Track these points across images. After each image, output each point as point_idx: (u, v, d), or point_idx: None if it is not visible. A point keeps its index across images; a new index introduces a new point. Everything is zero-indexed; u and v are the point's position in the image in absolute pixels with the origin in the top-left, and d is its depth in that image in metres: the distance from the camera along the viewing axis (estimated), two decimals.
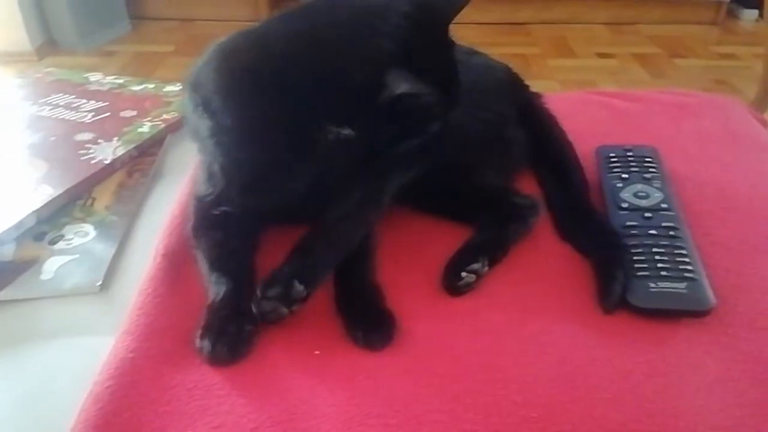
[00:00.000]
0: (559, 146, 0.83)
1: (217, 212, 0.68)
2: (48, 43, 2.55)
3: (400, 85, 0.56)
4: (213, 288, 0.63)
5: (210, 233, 0.68)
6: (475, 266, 0.64)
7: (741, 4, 2.97)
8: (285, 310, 0.58)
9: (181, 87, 1.04)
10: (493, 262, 0.66)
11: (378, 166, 0.69)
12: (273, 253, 0.67)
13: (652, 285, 0.63)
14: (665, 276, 0.63)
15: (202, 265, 0.66)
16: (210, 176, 0.68)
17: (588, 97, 1.04)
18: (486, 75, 0.84)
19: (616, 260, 0.65)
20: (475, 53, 0.85)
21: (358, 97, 0.58)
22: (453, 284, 0.64)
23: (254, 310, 0.58)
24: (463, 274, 0.64)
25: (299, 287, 0.58)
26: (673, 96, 1.03)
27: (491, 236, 0.70)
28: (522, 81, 0.90)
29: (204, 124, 0.64)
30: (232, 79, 0.63)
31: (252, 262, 0.67)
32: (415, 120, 0.62)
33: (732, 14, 2.96)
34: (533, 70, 2.47)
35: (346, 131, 0.60)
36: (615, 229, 0.70)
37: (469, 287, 0.64)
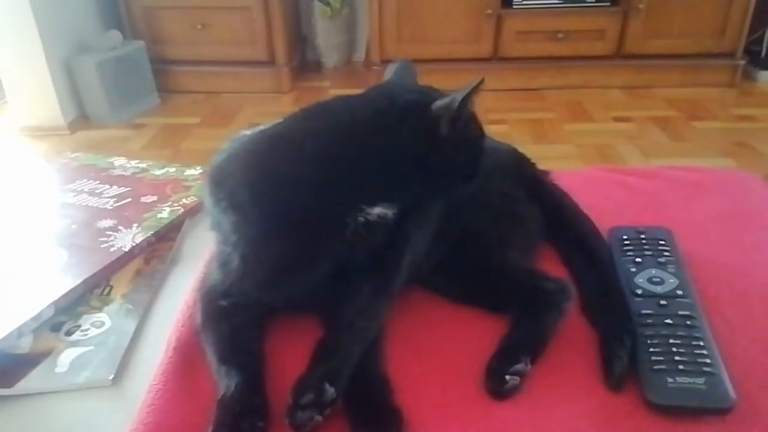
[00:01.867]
0: (579, 223, 0.84)
1: (224, 303, 0.69)
2: (80, 117, 2.66)
3: (456, 99, 0.62)
4: (223, 382, 0.63)
5: (217, 326, 0.69)
6: (519, 367, 0.63)
7: (757, 65, 2.98)
8: (319, 418, 0.57)
9: (201, 170, 1.09)
10: (534, 359, 0.65)
11: (389, 252, 0.70)
12: (280, 340, 0.69)
13: (670, 380, 0.61)
14: (683, 370, 0.61)
15: (211, 359, 0.66)
16: (224, 267, 0.69)
17: (600, 174, 1.05)
18: (490, 157, 0.85)
19: (621, 337, 0.65)
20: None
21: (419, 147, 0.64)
22: (498, 388, 0.62)
23: (288, 420, 0.58)
24: (508, 377, 0.62)
25: (330, 390, 0.58)
26: (687, 172, 1.03)
27: (529, 330, 0.68)
28: (528, 160, 0.91)
29: (227, 219, 0.66)
30: (261, 177, 0.65)
31: (261, 352, 0.68)
32: (473, 151, 0.68)
33: (748, 76, 2.97)
34: (550, 135, 2.49)
35: (380, 210, 0.64)
36: (628, 310, 0.69)
37: (514, 390, 0.62)
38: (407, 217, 0.68)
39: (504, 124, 2.55)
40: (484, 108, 2.73)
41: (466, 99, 0.63)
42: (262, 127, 0.74)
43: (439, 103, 0.63)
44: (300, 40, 3.22)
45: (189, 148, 2.47)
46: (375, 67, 2.92)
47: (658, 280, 0.73)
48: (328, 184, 0.63)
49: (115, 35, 2.67)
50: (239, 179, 0.66)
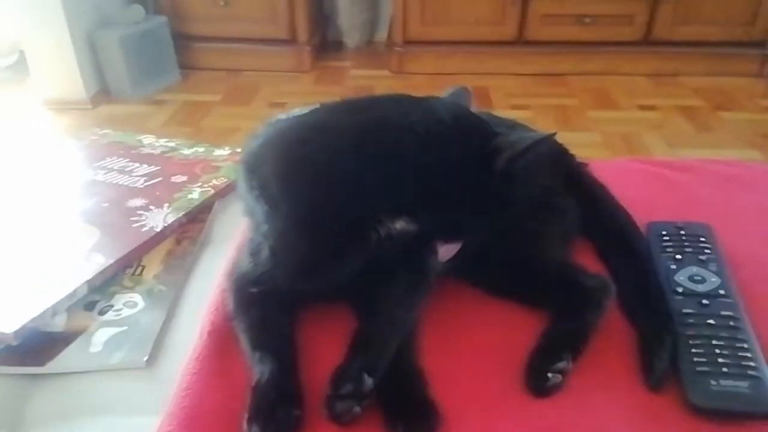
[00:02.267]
0: (617, 216, 0.82)
1: (254, 290, 0.69)
2: (102, 92, 2.66)
3: (516, 143, 0.60)
4: (257, 368, 0.62)
5: (249, 312, 0.68)
6: (561, 365, 0.62)
7: None
8: (358, 409, 0.57)
9: (229, 151, 1.08)
10: (576, 356, 0.63)
11: (423, 245, 0.68)
12: (312, 328, 0.68)
13: (713, 383, 0.60)
14: (726, 373, 0.60)
15: (244, 345, 0.66)
16: (256, 255, 0.68)
17: (635, 166, 1.03)
18: None
19: (661, 336, 0.64)
20: (517, 125, 0.85)
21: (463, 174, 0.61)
22: (540, 386, 0.61)
23: (326, 411, 0.57)
24: (550, 374, 0.61)
25: (369, 381, 0.57)
26: (726, 166, 1.00)
27: (570, 327, 0.67)
28: (566, 150, 0.89)
29: (260, 208, 0.65)
30: (294, 170, 0.63)
31: (293, 340, 0.67)
32: (522, 183, 0.64)
33: None
34: (573, 122, 2.45)
35: (403, 225, 0.60)
36: (668, 308, 0.68)
37: (556, 388, 0.61)
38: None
39: (527, 110, 2.51)
40: (506, 92, 2.69)
41: (534, 146, 0.60)
42: (297, 112, 0.72)
43: (506, 138, 0.61)
44: (322, 18, 3.18)
45: (210, 125, 2.46)
46: (397, 48, 2.88)
47: (700, 278, 0.72)
48: (358, 188, 0.60)
49: (138, 9, 2.65)
50: (273, 169, 0.65)
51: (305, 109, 0.71)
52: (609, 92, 2.72)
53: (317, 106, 0.71)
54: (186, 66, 2.90)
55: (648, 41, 2.83)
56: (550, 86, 2.78)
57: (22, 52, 2.67)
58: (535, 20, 2.81)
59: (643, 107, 2.60)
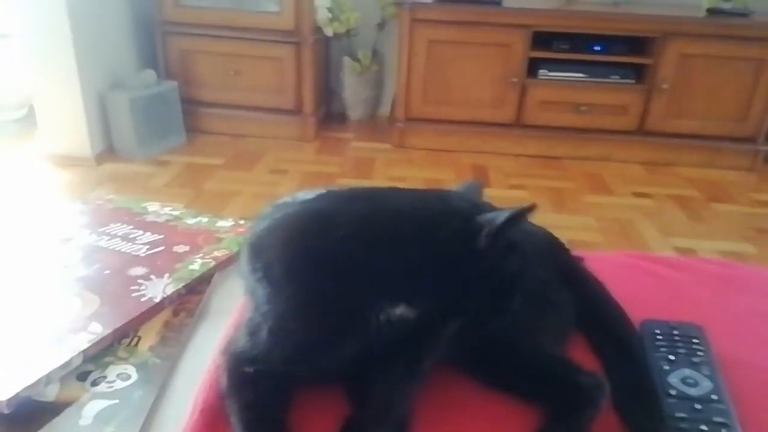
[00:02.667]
0: (612, 313, 0.83)
1: (250, 369, 0.69)
2: (107, 151, 2.71)
3: (494, 218, 0.60)
4: None
5: (242, 393, 0.68)
6: None
7: None
8: None
9: (232, 222, 1.10)
10: None
11: (420, 334, 0.69)
12: (306, 410, 0.68)
13: None
14: None
15: (236, 427, 0.65)
16: (254, 335, 0.69)
17: (630, 261, 1.05)
18: (524, 239, 0.86)
19: None
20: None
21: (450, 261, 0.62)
22: None
23: None
24: None
25: None
26: (720, 267, 1.02)
27: (565, 427, 0.67)
28: (562, 244, 0.91)
29: (262, 290, 0.66)
30: (299, 257, 0.65)
31: (286, 423, 0.67)
32: (507, 281, 0.65)
33: None
34: (569, 205, 2.50)
35: (403, 311, 0.62)
36: (662, 411, 0.68)
37: None
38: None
39: (523, 189, 2.57)
40: (504, 172, 2.76)
41: (514, 218, 0.61)
42: (302, 196, 0.75)
43: (485, 215, 0.62)
44: (327, 92, 3.30)
45: (211, 189, 2.50)
46: (399, 124, 2.97)
47: (693, 381, 0.72)
48: (358, 275, 0.62)
49: (150, 74, 2.75)
50: (278, 254, 0.66)
51: (309, 194, 0.73)
52: (604, 178, 2.79)
53: (323, 191, 0.74)
54: (192, 129, 2.97)
55: (642, 131, 2.93)
56: (547, 168, 2.85)
57: (31, 107, 2.73)
58: (533, 106, 2.92)
59: (637, 194, 2.67)
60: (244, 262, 0.72)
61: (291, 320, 0.65)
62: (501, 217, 0.61)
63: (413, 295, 0.62)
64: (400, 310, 0.62)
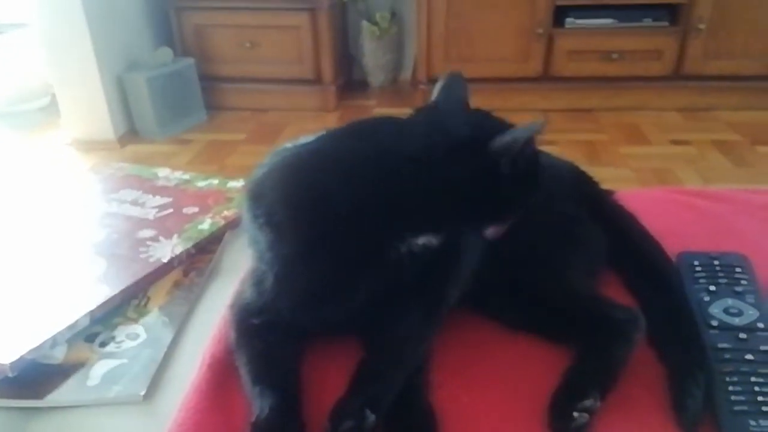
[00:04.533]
0: (646, 246, 0.77)
1: (257, 321, 0.66)
2: (130, 132, 2.72)
3: (518, 139, 0.57)
4: (257, 403, 0.59)
5: (251, 344, 0.65)
6: (588, 403, 0.57)
7: None
8: None
9: (244, 183, 1.07)
10: (604, 394, 0.58)
11: (436, 274, 0.65)
12: (317, 360, 0.65)
13: (753, 423, 0.54)
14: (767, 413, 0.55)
15: (245, 379, 0.63)
16: (259, 284, 0.66)
17: (667, 196, 0.98)
18: (550, 175, 0.80)
19: (694, 372, 0.59)
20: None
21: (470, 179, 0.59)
22: (564, 426, 0.56)
23: None
24: (575, 414, 0.56)
25: (371, 417, 0.54)
26: (762, 196, 0.94)
27: (598, 363, 0.62)
28: (590, 178, 0.85)
29: (264, 236, 0.62)
30: (302, 195, 0.61)
31: (297, 373, 0.64)
32: (530, 186, 0.62)
33: None
34: (603, 158, 2.40)
35: (426, 239, 0.59)
36: (702, 342, 0.63)
37: (583, 428, 0.56)
38: (456, 242, 0.64)
39: (555, 145, 2.46)
40: None
41: (529, 139, 0.58)
42: (303, 141, 0.71)
43: (499, 142, 0.57)
44: (347, 59, 3.23)
45: (234, 164, 2.48)
46: (422, 86, 2.89)
47: (736, 311, 0.66)
48: (370, 210, 0.58)
49: (166, 52, 2.73)
50: (277, 196, 0.63)
51: (311, 137, 0.69)
52: (640, 127, 2.67)
53: (322, 132, 0.69)
54: (212, 106, 2.95)
55: (679, 76, 2.78)
56: (578, 122, 2.74)
57: (54, 95, 2.75)
58: (561, 57, 2.79)
59: (676, 142, 2.54)
60: (244, 212, 0.68)
61: (297, 264, 0.61)
62: (517, 142, 0.57)
63: (436, 224, 0.60)
64: (423, 240, 0.60)
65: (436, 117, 0.64)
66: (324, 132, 0.69)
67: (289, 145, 0.72)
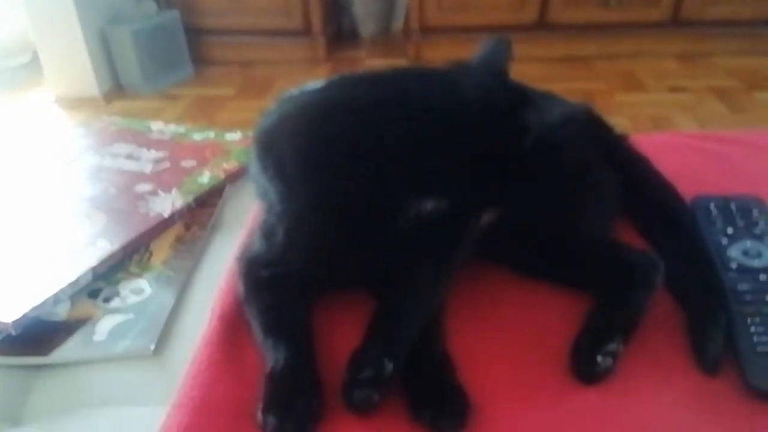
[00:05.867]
0: (660, 189, 0.76)
1: (267, 273, 0.64)
2: (115, 88, 2.64)
3: (545, 120, 0.54)
4: (270, 355, 0.57)
5: (261, 296, 0.63)
6: (611, 347, 0.56)
7: None
8: (377, 397, 0.52)
9: (241, 135, 1.04)
10: (627, 338, 0.57)
11: (450, 225, 0.63)
12: (328, 311, 0.63)
13: None
14: None
15: (256, 331, 0.61)
16: (269, 236, 0.63)
17: (675, 140, 0.95)
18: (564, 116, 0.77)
19: (714, 314, 0.58)
20: (552, 96, 0.79)
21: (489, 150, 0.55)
22: (588, 371, 0.55)
23: (344, 399, 0.53)
24: (599, 358, 0.55)
25: (389, 366, 0.52)
26: None
27: (619, 307, 0.61)
28: (605, 121, 0.83)
29: (274, 188, 0.60)
30: (315, 148, 0.58)
31: (309, 324, 0.62)
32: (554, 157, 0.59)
33: None
34: (600, 106, 2.32)
35: (435, 203, 0.56)
36: (721, 283, 0.62)
37: (607, 372, 0.55)
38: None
39: None
40: (529, 77, 2.58)
41: (565, 123, 0.54)
42: (311, 86, 0.67)
43: (532, 113, 0.54)
44: (336, 8, 3.13)
45: (224, 119, 2.42)
46: (414, 37, 2.82)
47: (755, 252, 0.65)
48: (387, 164, 0.55)
49: (150, 5, 2.63)
50: (289, 146, 0.59)
51: (318, 84, 0.66)
52: (636, 75, 2.63)
53: (334, 78, 0.66)
54: (199, 60, 2.86)
55: (676, 22, 2.73)
56: (575, 70, 2.69)
57: (35, 52, 2.66)
58: (557, 3, 2.72)
59: (673, 89, 2.50)
60: (252, 161, 0.65)
61: (309, 218, 0.59)
62: (551, 119, 0.54)
63: (447, 188, 0.57)
64: (432, 204, 0.56)
65: (472, 75, 0.60)
66: (336, 77, 0.66)
67: (295, 91, 0.69)
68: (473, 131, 0.55)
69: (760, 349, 0.55)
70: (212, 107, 2.53)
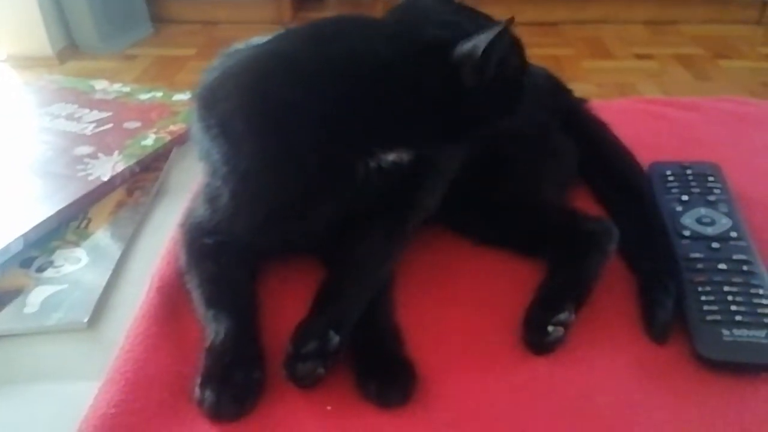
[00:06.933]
0: (618, 155, 0.74)
1: (210, 241, 0.61)
2: (70, 47, 2.52)
3: (479, 45, 0.51)
4: (211, 327, 0.55)
5: (203, 265, 0.60)
6: (563, 316, 0.54)
7: None
8: (323, 370, 0.50)
9: (190, 95, 0.98)
10: (579, 307, 0.56)
11: (403, 191, 0.60)
12: (275, 281, 0.61)
13: (726, 332, 0.53)
14: (740, 322, 0.54)
15: (197, 302, 0.58)
16: (212, 202, 0.60)
17: (635, 106, 0.94)
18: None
19: (664, 282, 0.58)
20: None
21: (439, 89, 0.53)
22: (539, 341, 0.54)
23: (286, 372, 0.50)
24: (550, 328, 0.54)
25: (335, 338, 0.51)
26: (732, 104, 0.92)
27: (571, 276, 0.59)
28: (564, 86, 0.81)
29: (218, 149, 0.56)
30: (262, 103, 0.54)
31: (253, 295, 0.60)
32: (510, 90, 0.58)
33: None
34: (567, 73, 2.34)
35: (395, 156, 0.55)
36: (672, 251, 0.61)
37: (558, 342, 0.54)
38: (428, 160, 0.59)
39: None
40: None
41: (493, 45, 0.51)
42: (257, 41, 0.63)
43: (459, 48, 0.52)
44: None
45: (185, 80, 2.34)
46: None
47: (709, 220, 0.64)
48: (338, 120, 0.53)
49: None
50: (234, 103, 0.56)
51: (264, 38, 0.62)
52: (604, 41, 2.62)
53: (280, 31, 0.62)
54: (158, 19, 2.76)
55: None
56: (543, 36, 2.67)
57: None
58: None
59: (639, 56, 2.51)
60: (194, 121, 0.61)
61: (256, 180, 0.56)
62: (477, 49, 0.51)
63: (406, 140, 0.55)
64: (393, 156, 0.55)
65: (409, 18, 0.57)
66: (282, 30, 0.62)
67: (240, 46, 0.65)
68: (415, 76, 0.53)
69: (709, 317, 0.54)
70: (172, 68, 2.44)
